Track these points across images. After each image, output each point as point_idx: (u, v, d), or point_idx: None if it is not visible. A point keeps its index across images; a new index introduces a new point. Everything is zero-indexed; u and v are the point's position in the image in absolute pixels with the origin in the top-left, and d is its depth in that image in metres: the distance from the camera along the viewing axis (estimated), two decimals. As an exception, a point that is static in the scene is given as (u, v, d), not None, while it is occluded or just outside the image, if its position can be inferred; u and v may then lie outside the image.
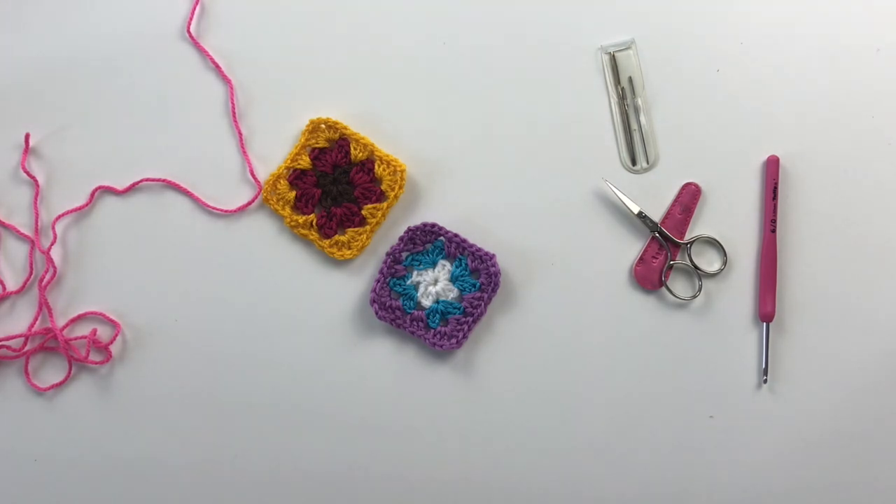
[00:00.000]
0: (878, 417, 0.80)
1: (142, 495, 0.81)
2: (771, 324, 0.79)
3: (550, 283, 0.80)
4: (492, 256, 0.79)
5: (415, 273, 0.81)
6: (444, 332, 0.79)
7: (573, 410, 0.80)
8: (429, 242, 0.81)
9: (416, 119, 0.82)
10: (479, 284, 0.79)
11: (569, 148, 0.81)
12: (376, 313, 0.79)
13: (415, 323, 0.79)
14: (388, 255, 0.80)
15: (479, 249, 0.79)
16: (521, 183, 0.81)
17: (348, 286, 0.81)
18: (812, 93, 0.81)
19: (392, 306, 0.80)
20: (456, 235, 0.80)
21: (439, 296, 0.80)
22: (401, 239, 0.80)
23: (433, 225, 0.80)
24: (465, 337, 0.79)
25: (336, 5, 0.83)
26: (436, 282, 0.80)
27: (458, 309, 0.79)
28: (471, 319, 0.79)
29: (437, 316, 0.79)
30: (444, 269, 0.80)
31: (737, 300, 0.80)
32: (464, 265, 0.80)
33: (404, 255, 0.81)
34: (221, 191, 0.82)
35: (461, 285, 0.80)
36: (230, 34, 0.83)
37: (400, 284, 0.80)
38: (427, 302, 0.80)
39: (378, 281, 0.80)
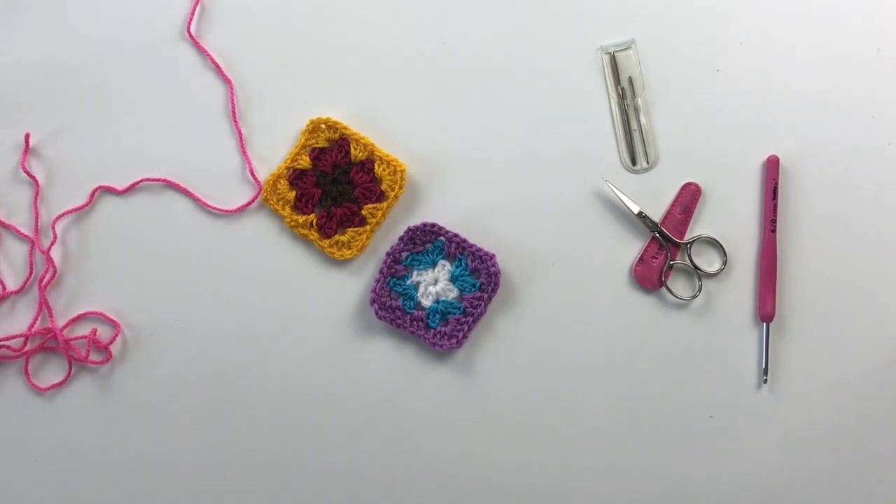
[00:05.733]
0: (877, 417, 0.80)
1: (142, 495, 0.81)
2: (771, 324, 0.79)
3: (550, 283, 0.80)
4: (492, 256, 0.79)
5: (415, 273, 0.81)
6: (444, 332, 0.79)
7: (573, 410, 0.80)
8: (429, 242, 0.81)
9: (416, 119, 0.82)
10: (479, 284, 0.79)
11: (569, 148, 0.81)
12: (376, 313, 0.79)
13: (415, 323, 0.79)
14: (388, 255, 0.80)
15: (479, 249, 0.79)
16: (521, 183, 0.81)
17: (348, 286, 0.81)
18: (812, 93, 0.81)
19: (392, 306, 0.80)
20: (456, 235, 0.80)
21: (439, 296, 0.80)
22: (401, 239, 0.80)
23: (433, 225, 0.80)
24: (465, 337, 0.79)
25: (336, 5, 0.83)
26: (436, 282, 0.80)
27: (458, 309, 0.79)
28: (471, 319, 0.79)
29: (437, 316, 0.79)
30: (444, 269, 0.80)
31: (737, 300, 0.80)
32: (464, 265, 0.80)
33: (404, 255, 0.81)
34: (221, 191, 0.82)
35: (461, 285, 0.80)
36: (230, 34, 0.83)
37: (400, 284, 0.80)
38: (427, 302, 0.80)
39: (378, 281, 0.80)
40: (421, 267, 0.81)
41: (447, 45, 0.82)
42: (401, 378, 0.80)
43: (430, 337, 0.79)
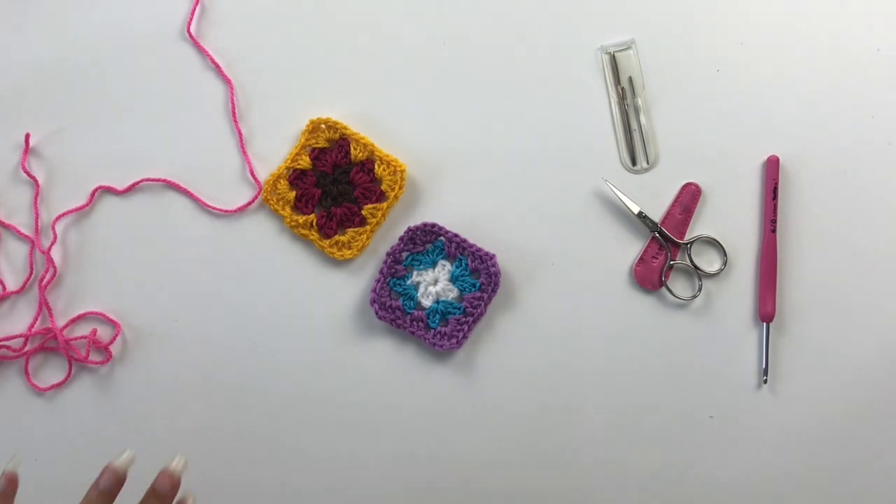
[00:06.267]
0: (877, 417, 0.80)
1: (141, 495, 0.81)
2: (771, 324, 0.79)
3: (550, 283, 0.80)
4: (492, 256, 0.79)
5: (415, 273, 0.81)
6: (444, 332, 0.79)
7: (573, 410, 0.80)
8: (429, 242, 0.81)
9: (416, 119, 0.82)
10: (479, 284, 0.79)
11: (569, 148, 0.81)
12: (376, 313, 0.79)
13: (415, 323, 0.79)
14: (388, 255, 0.80)
15: (480, 249, 0.79)
16: (521, 183, 0.81)
17: (348, 286, 0.81)
18: (812, 93, 0.81)
19: (392, 306, 0.80)
20: (456, 235, 0.80)
21: (439, 296, 0.80)
22: (401, 239, 0.80)
23: (433, 225, 0.80)
24: (465, 337, 0.79)
25: (336, 5, 0.83)
26: (436, 282, 0.80)
27: (459, 309, 0.79)
28: (471, 319, 0.79)
29: (437, 316, 0.79)
30: (444, 269, 0.80)
31: (737, 300, 0.80)
32: (464, 265, 0.80)
33: (404, 255, 0.80)
34: (221, 191, 0.82)
35: (461, 285, 0.80)
36: (230, 34, 0.83)
37: (400, 284, 0.80)
38: (427, 302, 0.80)
39: (378, 281, 0.80)
40: (421, 267, 0.81)
41: (447, 45, 0.82)
42: (401, 378, 0.80)
43: (430, 337, 0.79)
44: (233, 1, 0.83)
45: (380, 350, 0.81)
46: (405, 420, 0.80)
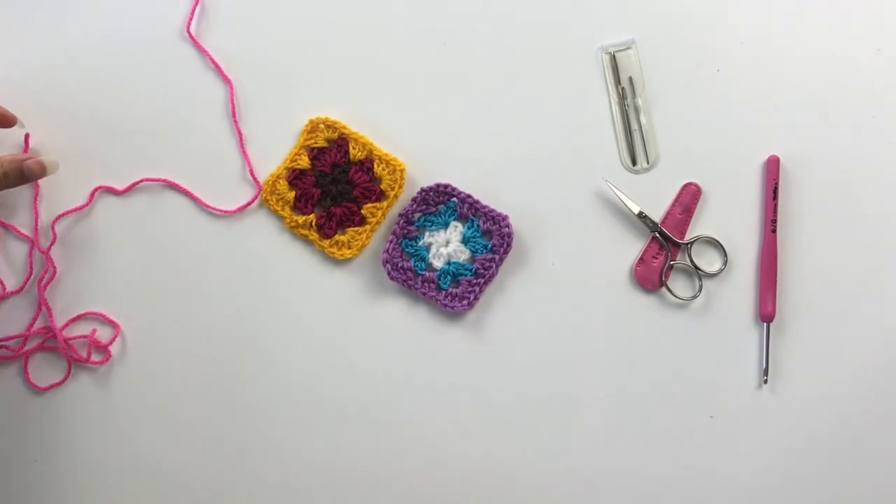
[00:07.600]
0: (878, 417, 0.80)
1: (141, 496, 0.81)
2: (771, 324, 0.79)
3: (550, 283, 0.80)
4: (504, 217, 0.79)
5: (427, 234, 0.80)
6: (455, 293, 0.79)
7: (572, 411, 0.80)
8: (441, 203, 0.80)
9: (415, 119, 0.82)
10: (490, 246, 0.79)
11: (569, 148, 0.81)
12: (388, 274, 0.79)
13: (426, 284, 0.79)
14: (400, 216, 0.80)
15: (492, 210, 0.79)
16: (521, 183, 0.81)
17: (348, 286, 0.81)
18: (812, 93, 0.81)
19: (404, 267, 0.79)
20: (469, 196, 0.79)
21: (451, 257, 0.80)
22: (414, 200, 0.80)
23: (446, 185, 0.80)
24: (476, 298, 0.79)
25: (336, 5, 0.83)
26: (447, 243, 0.80)
27: (470, 270, 0.79)
28: (482, 281, 0.79)
29: (449, 277, 0.79)
30: (456, 231, 0.80)
31: (737, 300, 0.80)
32: (476, 226, 0.79)
33: (416, 215, 0.80)
34: (221, 191, 0.82)
35: (473, 247, 0.79)
36: (230, 34, 0.83)
37: (412, 245, 0.80)
38: (438, 263, 0.79)
39: (391, 241, 0.79)
40: (433, 228, 0.80)
41: (447, 44, 0.82)
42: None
43: (441, 298, 0.79)
44: (233, 1, 0.83)
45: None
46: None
